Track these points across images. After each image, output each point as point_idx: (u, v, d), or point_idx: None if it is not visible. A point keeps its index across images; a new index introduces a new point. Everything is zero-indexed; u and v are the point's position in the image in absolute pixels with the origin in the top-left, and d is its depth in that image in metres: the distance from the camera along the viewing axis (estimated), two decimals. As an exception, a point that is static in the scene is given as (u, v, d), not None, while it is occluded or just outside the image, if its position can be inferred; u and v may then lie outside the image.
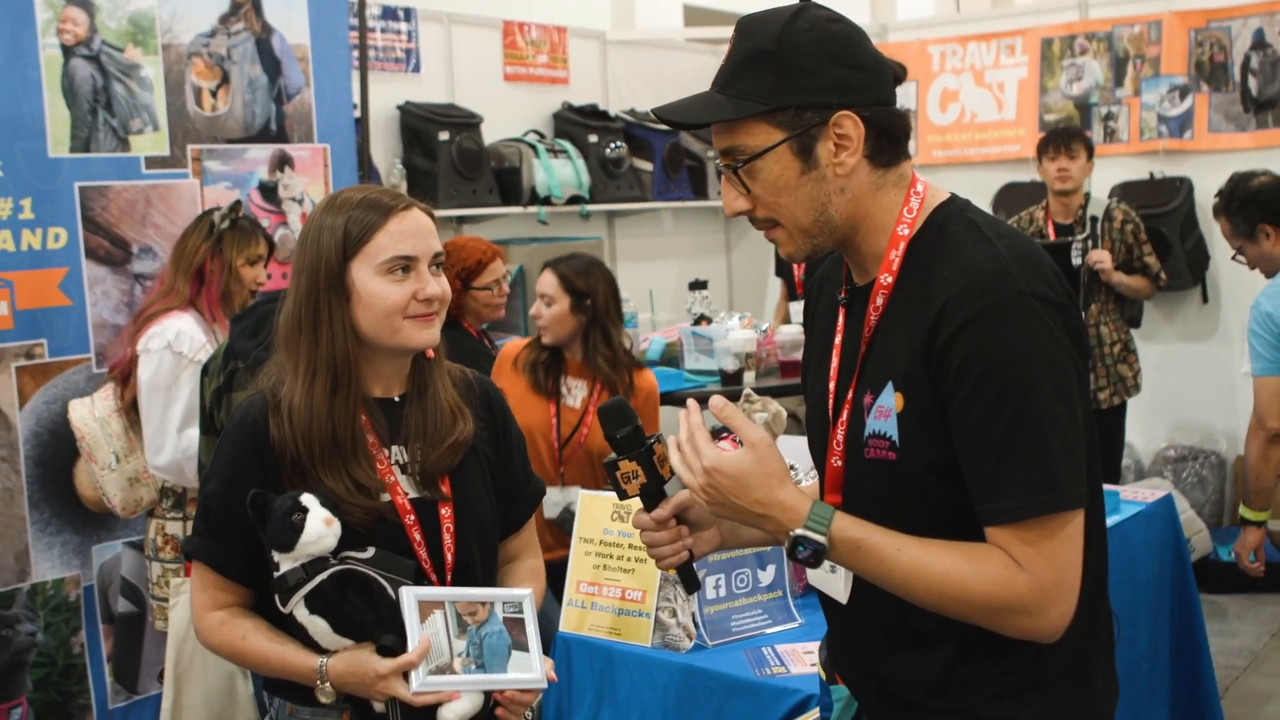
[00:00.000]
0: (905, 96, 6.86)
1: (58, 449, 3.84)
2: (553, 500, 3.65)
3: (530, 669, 1.97)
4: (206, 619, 2.01)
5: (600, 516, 2.83)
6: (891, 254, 1.64)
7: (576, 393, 3.78)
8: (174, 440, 3.47)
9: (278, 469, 1.96)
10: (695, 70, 6.99)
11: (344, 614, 1.89)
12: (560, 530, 3.65)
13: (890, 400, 1.60)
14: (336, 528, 1.88)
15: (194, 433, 3.40)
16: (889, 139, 1.63)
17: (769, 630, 2.74)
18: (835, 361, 1.73)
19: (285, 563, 1.89)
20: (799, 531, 1.55)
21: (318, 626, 1.91)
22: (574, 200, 5.95)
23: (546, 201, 5.82)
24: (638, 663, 2.67)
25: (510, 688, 1.94)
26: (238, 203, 3.73)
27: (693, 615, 2.70)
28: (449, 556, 2.01)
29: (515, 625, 1.98)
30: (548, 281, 3.76)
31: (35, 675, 3.83)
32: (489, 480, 2.12)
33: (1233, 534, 5.91)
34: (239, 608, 2.01)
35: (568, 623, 2.79)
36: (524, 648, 1.97)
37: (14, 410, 3.75)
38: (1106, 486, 3.75)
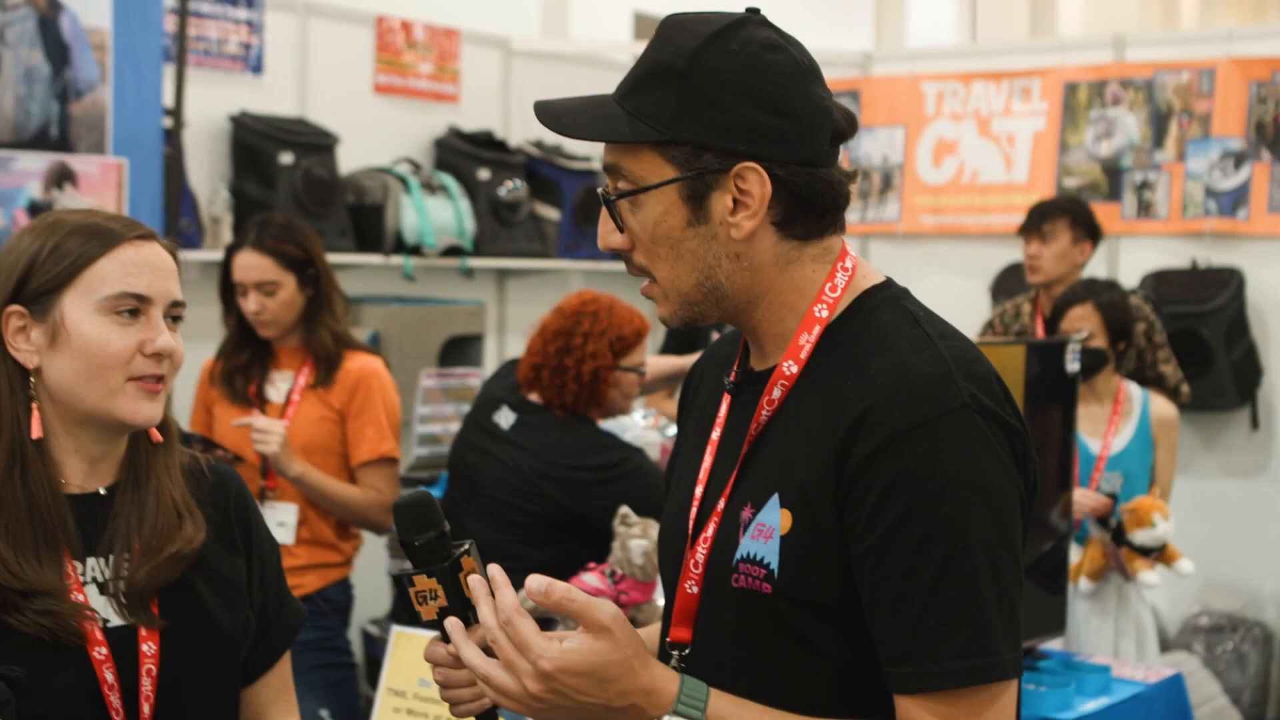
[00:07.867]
0: (890, 145, 6.90)
1: None
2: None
3: None
4: None
5: (415, 662, 2.82)
6: (803, 338, 1.68)
7: (282, 385, 3.91)
8: None
9: None
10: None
11: None
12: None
13: (774, 518, 1.63)
14: None
15: None
16: (808, 208, 1.66)
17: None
18: (708, 461, 1.77)
19: None
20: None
21: None
22: (452, 252, 5.97)
23: (416, 251, 5.83)
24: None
25: None
26: None
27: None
28: (145, 708, 1.94)
29: None
30: (259, 265, 3.82)
31: None
32: (223, 600, 2.06)
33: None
34: None
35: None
36: None
37: None
38: (1097, 659, 3.72)
